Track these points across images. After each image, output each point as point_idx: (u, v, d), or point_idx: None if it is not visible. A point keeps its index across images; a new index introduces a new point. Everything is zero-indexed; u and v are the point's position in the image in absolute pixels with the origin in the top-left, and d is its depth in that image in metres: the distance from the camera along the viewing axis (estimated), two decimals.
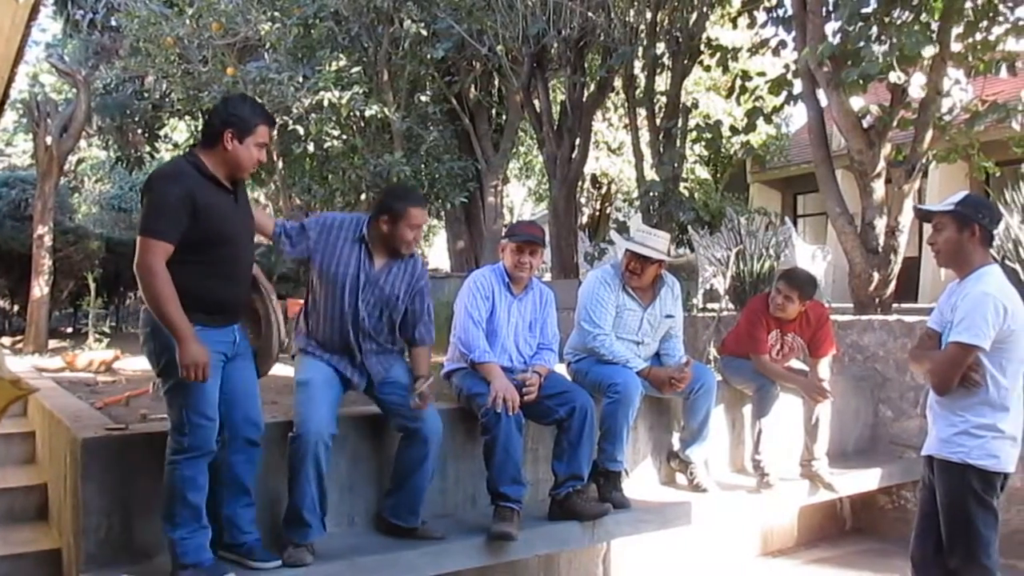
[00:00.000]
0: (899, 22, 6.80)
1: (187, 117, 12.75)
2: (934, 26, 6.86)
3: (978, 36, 7.10)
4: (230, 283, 3.25)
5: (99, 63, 12.02)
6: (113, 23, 11.62)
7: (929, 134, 7.10)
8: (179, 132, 15.99)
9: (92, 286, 8.65)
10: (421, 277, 3.85)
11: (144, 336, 3.21)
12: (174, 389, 3.15)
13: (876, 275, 7.08)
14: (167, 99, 11.33)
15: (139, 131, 13.43)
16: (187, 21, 8.95)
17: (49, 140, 9.75)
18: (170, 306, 2.99)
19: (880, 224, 7.14)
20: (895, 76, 6.60)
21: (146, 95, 12.18)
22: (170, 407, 3.19)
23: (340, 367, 3.70)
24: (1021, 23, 7.05)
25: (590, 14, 9.33)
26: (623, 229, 10.03)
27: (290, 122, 8.97)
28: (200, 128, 12.97)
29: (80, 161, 20.08)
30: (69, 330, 12.97)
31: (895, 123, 7.16)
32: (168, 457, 3.16)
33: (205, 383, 3.07)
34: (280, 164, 10.33)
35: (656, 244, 4.60)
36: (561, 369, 4.54)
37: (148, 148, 14.09)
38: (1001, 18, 7.11)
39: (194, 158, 3.19)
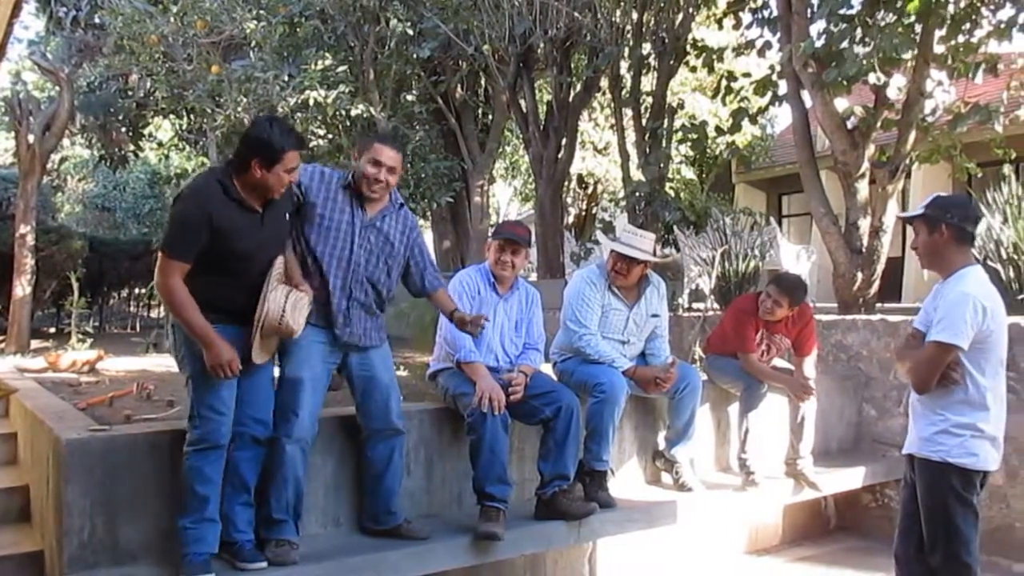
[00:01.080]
0: (882, 24, 6.85)
1: (172, 115, 12.68)
2: (917, 28, 6.91)
3: (960, 38, 7.15)
4: (246, 292, 3.30)
5: (82, 61, 11.92)
6: (97, 20, 11.52)
7: (912, 135, 7.16)
8: (163, 131, 15.89)
9: (75, 286, 8.58)
10: (414, 228, 3.88)
11: (168, 330, 3.44)
12: (190, 381, 3.29)
13: (860, 275, 7.13)
14: (151, 97, 11.26)
15: (123, 129, 13.34)
16: (171, 19, 8.88)
17: (31, 138, 9.67)
18: (191, 315, 3.15)
19: (864, 224, 7.19)
20: (875, 77, 6.65)
21: (130, 93, 12.10)
22: (189, 398, 3.32)
23: (322, 338, 3.62)
24: (1003, 26, 7.11)
25: (576, 14, 9.34)
26: (609, 229, 10.04)
27: None
28: (183, 126, 12.95)
29: (63, 160, 19.92)
30: (52, 330, 12.87)
31: (879, 124, 7.22)
32: (184, 447, 3.28)
33: (217, 382, 3.20)
34: None
35: (641, 245, 4.61)
36: (547, 369, 4.54)
37: (132, 147, 14.00)
38: (983, 21, 7.18)
39: (224, 177, 3.26)
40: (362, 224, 3.65)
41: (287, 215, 3.49)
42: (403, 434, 3.82)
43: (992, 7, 7.17)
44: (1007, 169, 7.68)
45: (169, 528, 3.32)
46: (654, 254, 4.67)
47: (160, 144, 15.83)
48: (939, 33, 6.95)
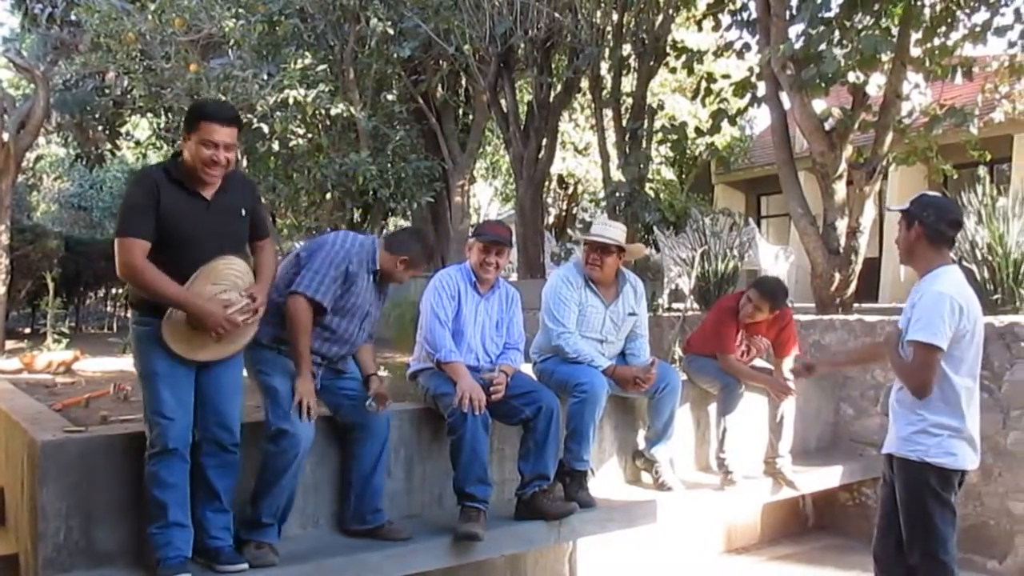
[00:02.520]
0: (860, 26, 6.91)
1: (149, 114, 12.55)
2: (894, 31, 6.98)
3: (936, 41, 7.24)
4: (188, 279, 3.19)
5: (58, 58, 11.78)
6: (73, 18, 11.37)
7: (889, 137, 7.23)
8: (141, 129, 15.73)
9: (51, 286, 8.49)
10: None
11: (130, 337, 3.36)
12: (141, 389, 3.25)
13: (837, 275, 7.19)
14: (128, 96, 11.14)
15: (100, 128, 13.19)
16: (149, 17, 8.80)
17: (6, 137, 9.57)
18: (166, 287, 3.09)
19: (841, 225, 7.25)
20: (855, 76, 6.71)
21: (107, 91, 11.98)
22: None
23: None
24: (978, 29, 7.21)
25: (557, 15, 9.36)
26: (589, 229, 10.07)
27: (254, 120, 8.87)
28: (160, 125, 12.84)
29: (39, 158, 19.71)
30: (27, 330, 12.74)
31: (856, 126, 7.28)
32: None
33: (160, 385, 3.15)
34: (244, 163, 10.22)
35: (612, 233, 4.64)
36: (526, 369, 4.54)
37: (109, 145, 13.85)
38: (959, 24, 7.27)
39: (168, 163, 3.29)
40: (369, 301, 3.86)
41: (244, 212, 3.38)
42: (387, 431, 3.87)
43: (967, 11, 7.26)
44: (982, 171, 7.78)
45: (145, 531, 3.29)
46: (625, 241, 4.70)
47: (138, 143, 15.65)
48: (915, 36, 7.03)
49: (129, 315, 3.38)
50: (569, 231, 16.32)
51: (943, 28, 7.23)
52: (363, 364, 3.96)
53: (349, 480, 3.82)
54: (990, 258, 6.09)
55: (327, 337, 3.73)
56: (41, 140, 15.17)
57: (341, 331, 3.75)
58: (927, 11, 7.01)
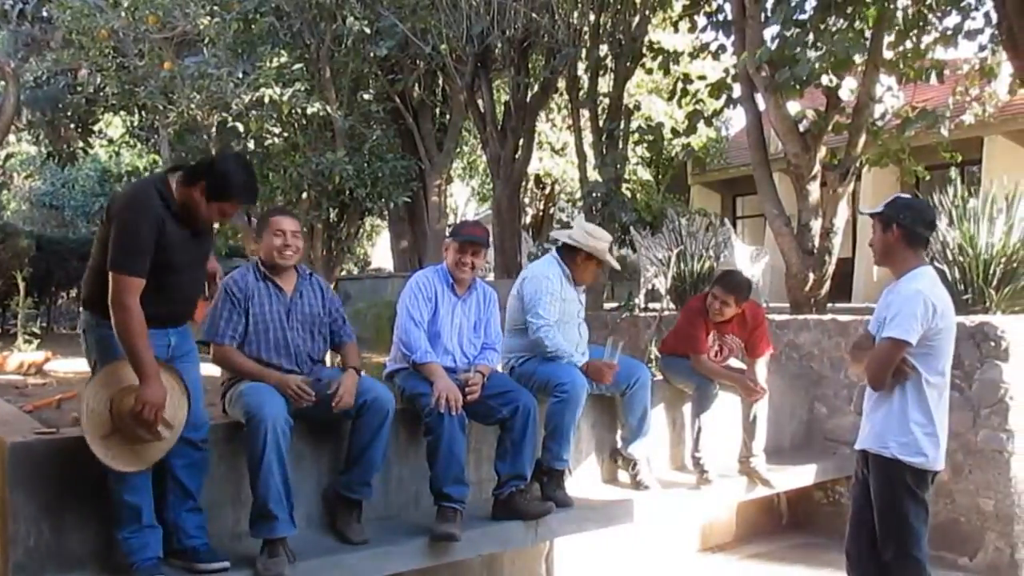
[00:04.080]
0: (834, 29, 6.98)
1: (122, 112, 12.42)
2: (867, 34, 7.06)
3: (908, 44, 7.33)
4: (169, 303, 3.25)
5: (29, 55, 11.63)
6: (44, 14, 11.25)
7: (862, 138, 7.30)
8: (114, 127, 15.55)
9: (21, 285, 8.37)
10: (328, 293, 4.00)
11: (82, 334, 3.30)
12: None
13: (811, 275, 7.26)
14: (101, 93, 11.02)
15: (72, 126, 13.03)
16: (122, 13, 8.69)
17: None
18: (143, 346, 3.04)
19: (815, 226, 7.31)
20: (828, 79, 6.78)
21: (79, 89, 11.82)
22: None
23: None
24: (949, 32, 7.30)
25: (534, 15, 9.37)
26: (566, 228, 10.09)
27: (229, 119, 8.81)
28: (134, 123, 12.71)
29: (9, 156, 19.41)
30: None
31: (830, 127, 7.35)
32: None
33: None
34: None
35: (605, 247, 4.70)
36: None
37: (81, 143, 13.69)
38: (930, 27, 7.36)
39: (164, 187, 3.18)
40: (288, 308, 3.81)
41: (209, 241, 3.46)
42: (392, 406, 3.81)
43: (939, 14, 7.36)
44: (953, 172, 7.88)
45: (116, 534, 3.24)
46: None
47: (110, 141, 15.48)
48: (888, 39, 7.11)
49: (87, 315, 3.30)
50: (546, 231, 16.36)
51: (915, 31, 7.33)
52: (343, 360, 3.94)
53: (349, 447, 3.79)
54: (961, 259, 6.17)
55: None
56: (12, 138, 14.97)
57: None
58: (899, 14, 7.09)
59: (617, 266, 4.67)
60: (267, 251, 3.76)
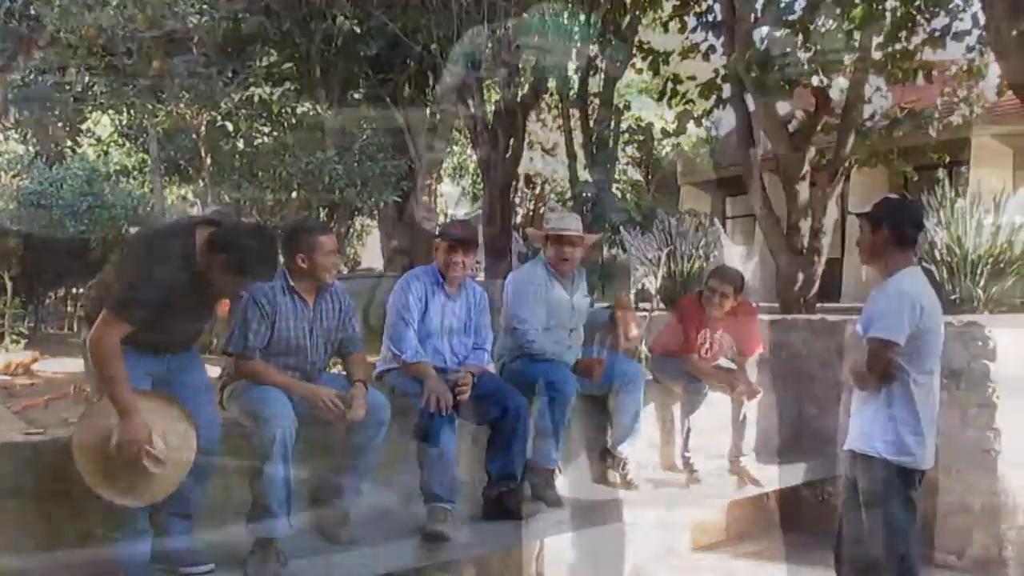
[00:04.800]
0: (823, 30, 7.01)
1: (111, 111, 12.36)
2: (856, 35, 7.09)
3: (897, 45, 7.36)
4: (169, 334, 3.25)
5: (16, 53, 11.55)
6: (32, 12, 11.19)
7: (851, 139, 7.34)
8: (102, 126, 15.48)
9: (8, 285, 8.33)
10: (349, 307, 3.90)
11: (83, 343, 3.23)
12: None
13: (801, 275, 7.28)
14: (90, 92, 10.97)
15: (60, 125, 12.96)
16: (111, 12, 8.67)
17: None
18: (119, 386, 2.98)
19: (805, 226, 7.34)
20: (818, 80, 6.81)
21: (67, 87, 11.77)
22: None
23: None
24: (937, 34, 7.34)
25: (524, 15, 9.37)
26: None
27: (219, 118, 8.79)
28: (123, 122, 12.64)
29: None
30: None
31: (819, 128, 7.38)
32: None
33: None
34: (208, 161, 10.11)
35: (571, 224, 4.71)
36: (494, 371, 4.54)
37: (69, 143, 13.63)
38: (919, 29, 7.40)
39: (190, 240, 3.14)
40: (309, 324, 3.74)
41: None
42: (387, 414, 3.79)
43: (927, 16, 7.40)
44: (941, 173, 7.93)
45: (104, 537, 3.23)
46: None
47: (99, 140, 15.41)
48: (877, 40, 7.14)
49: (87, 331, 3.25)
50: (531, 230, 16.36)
51: (904, 32, 7.36)
52: (349, 371, 3.90)
53: (342, 451, 3.77)
54: (949, 259, 6.21)
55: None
56: None
57: None
58: (888, 15, 7.12)
59: (577, 230, 4.63)
60: (314, 269, 3.65)
